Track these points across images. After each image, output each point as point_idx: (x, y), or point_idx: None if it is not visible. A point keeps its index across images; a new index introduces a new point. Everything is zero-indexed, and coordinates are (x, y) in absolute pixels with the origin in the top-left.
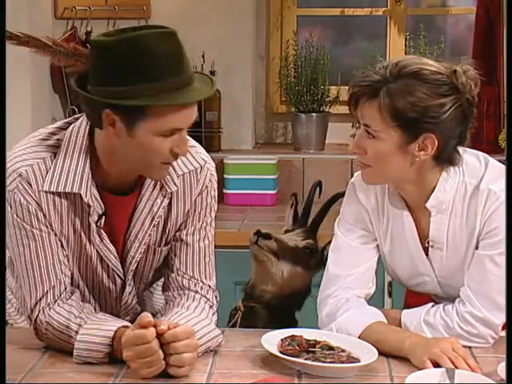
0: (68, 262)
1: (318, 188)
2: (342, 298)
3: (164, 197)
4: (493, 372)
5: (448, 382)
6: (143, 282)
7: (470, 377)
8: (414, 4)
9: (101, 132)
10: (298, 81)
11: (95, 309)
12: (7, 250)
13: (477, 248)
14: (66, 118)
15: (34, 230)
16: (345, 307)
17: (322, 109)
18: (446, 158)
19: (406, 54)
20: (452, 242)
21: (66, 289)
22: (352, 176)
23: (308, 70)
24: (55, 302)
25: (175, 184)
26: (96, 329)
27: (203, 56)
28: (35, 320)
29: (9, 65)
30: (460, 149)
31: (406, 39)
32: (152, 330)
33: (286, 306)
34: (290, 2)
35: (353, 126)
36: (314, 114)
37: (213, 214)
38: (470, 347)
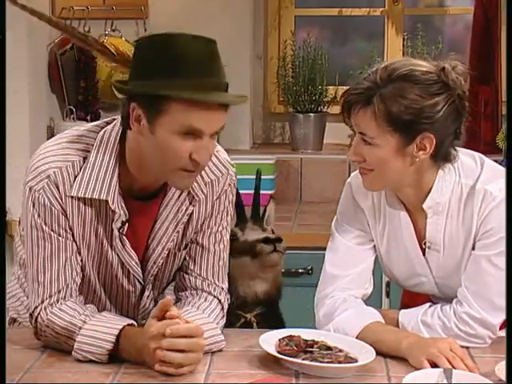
0: (81, 269)
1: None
2: (339, 298)
3: (190, 203)
4: (490, 372)
5: (446, 382)
6: (161, 286)
7: (467, 377)
8: (411, 4)
9: (130, 135)
10: (295, 81)
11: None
12: (21, 251)
13: (473, 249)
14: (63, 118)
15: (53, 233)
16: (342, 307)
17: (319, 109)
18: (442, 156)
19: (403, 54)
20: (449, 243)
21: (71, 295)
22: (350, 176)
23: (306, 70)
24: (58, 302)
25: (203, 192)
26: (101, 326)
27: None
28: (36, 318)
29: (7, 64)
30: (456, 148)
31: (403, 39)
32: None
33: (277, 298)
34: (287, 2)
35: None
36: (311, 114)
37: (229, 219)
38: (467, 347)
